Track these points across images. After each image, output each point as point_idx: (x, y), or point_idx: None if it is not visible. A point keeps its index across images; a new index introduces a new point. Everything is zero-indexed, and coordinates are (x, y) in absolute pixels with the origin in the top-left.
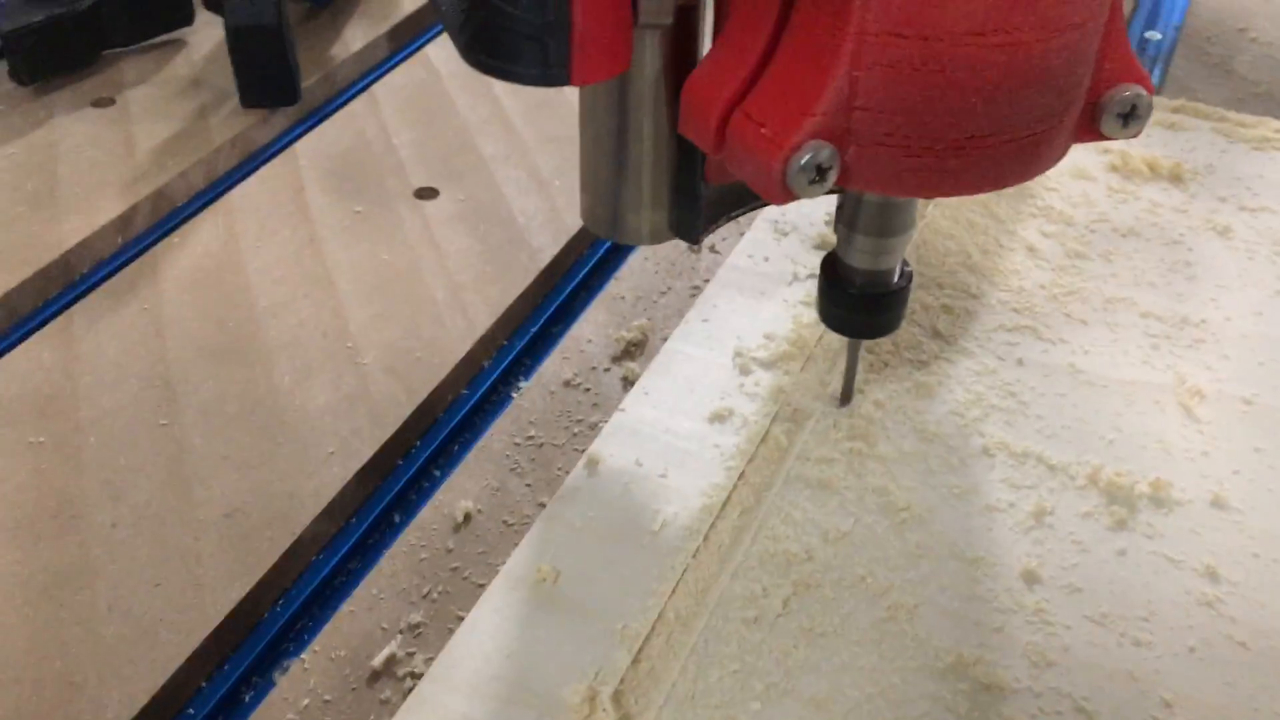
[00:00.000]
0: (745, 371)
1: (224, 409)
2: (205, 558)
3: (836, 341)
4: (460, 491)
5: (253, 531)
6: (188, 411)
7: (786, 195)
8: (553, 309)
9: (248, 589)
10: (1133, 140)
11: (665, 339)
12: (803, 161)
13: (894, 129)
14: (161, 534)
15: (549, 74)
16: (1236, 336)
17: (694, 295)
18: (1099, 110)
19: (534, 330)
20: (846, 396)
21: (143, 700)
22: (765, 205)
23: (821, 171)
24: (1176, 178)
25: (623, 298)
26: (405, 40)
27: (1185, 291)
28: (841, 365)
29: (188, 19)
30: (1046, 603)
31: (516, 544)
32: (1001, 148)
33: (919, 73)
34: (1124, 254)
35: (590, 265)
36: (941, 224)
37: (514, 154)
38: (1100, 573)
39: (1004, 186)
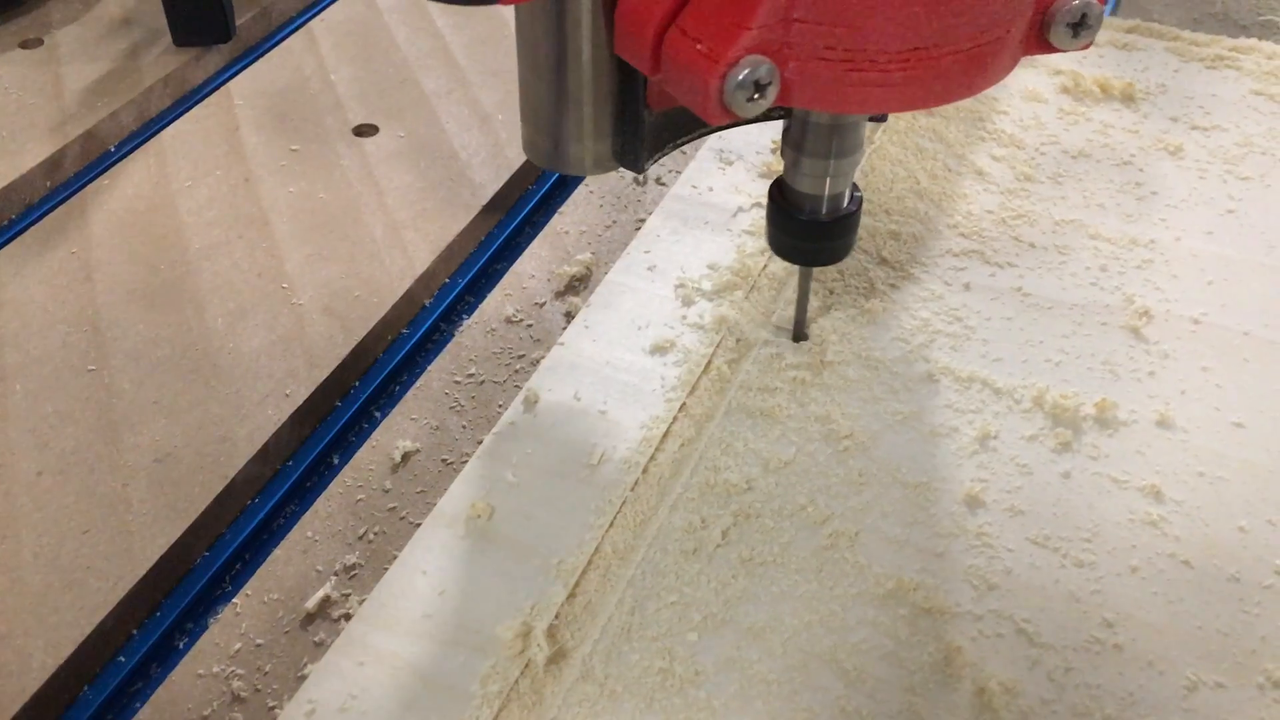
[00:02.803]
0: (688, 302)
1: (155, 353)
2: (135, 504)
3: (782, 270)
4: (399, 431)
5: (184, 477)
6: (117, 356)
7: (725, 114)
8: (495, 246)
9: (178, 534)
10: (1085, 61)
11: (610, 270)
12: (740, 78)
13: (834, 41)
14: (89, 481)
15: None
16: (1186, 256)
17: (639, 228)
18: (1048, 20)
19: (476, 268)
20: (799, 329)
21: (69, 649)
22: (712, 131)
23: (760, 88)
24: (1129, 98)
25: (567, 232)
26: None
27: (1135, 212)
28: (787, 294)
29: None
30: (989, 526)
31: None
32: (947, 60)
33: None
34: (1074, 176)
35: (534, 201)
36: (890, 150)
37: (456, 89)
38: (1044, 495)
39: (951, 100)
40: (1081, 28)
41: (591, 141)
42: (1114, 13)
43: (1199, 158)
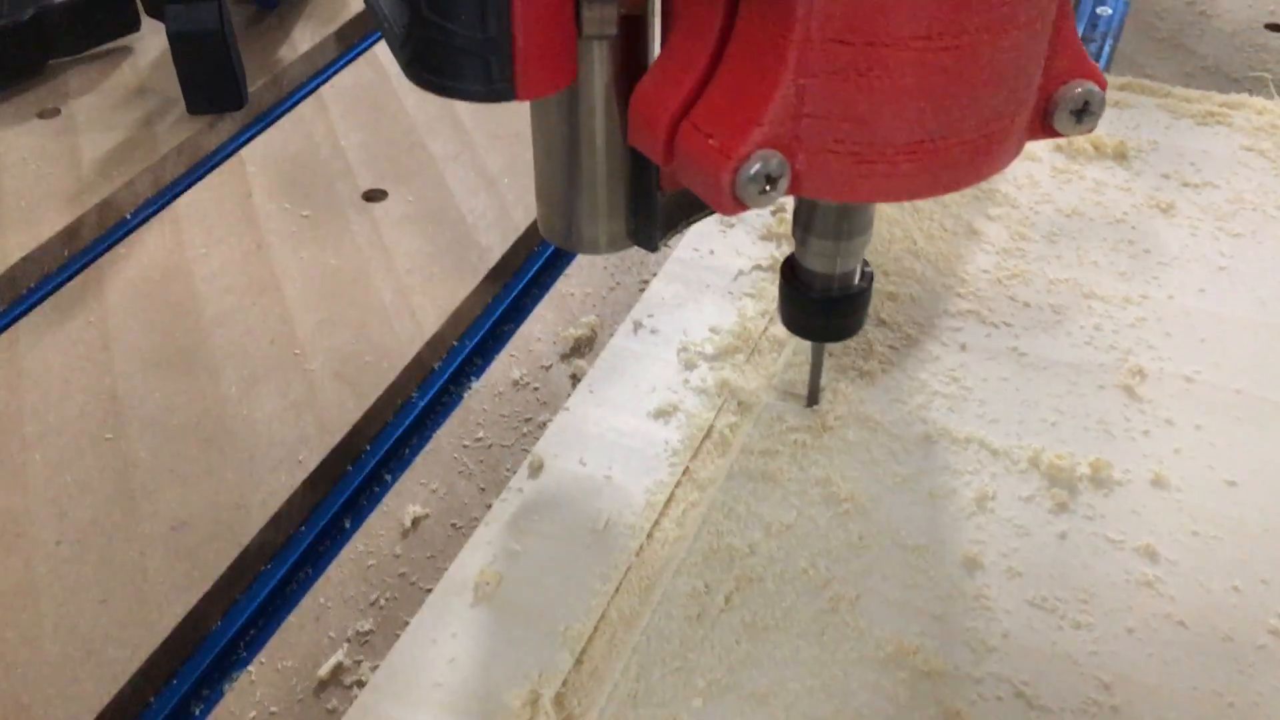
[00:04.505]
0: (690, 366)
1: (170, 421)
2: (151, 572)
3: (782, 333)
4: (409, 496)
5: (199, 544)
6: (134, 425)
7: (737, 206)
8: (502, 309)
9: (194, 602)
10: None
11: (614, 333)
12: (752, 172)
13: (843, 135)
14: (108, 550)
15: (493, 90)
16: (1179, 314)
17: (643, 290)
18: (1052, 107)
19: (483, 330)
20: (813, 397)
21: (88, 718)
22: None
23: (772, 181)
24: (1121, 156)
25: (572, 294)
26: (353, 41)
27: (1128, 270)
28: (788, 356)
29: (133, 25)
30: (987, 588)
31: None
32: (953, 150)
33: (865, 79)
34: (1068, 235)
35: (540, 264)
36: (887, 210)
37: (463, 152)
38: (1041, 556)
39: (958, 189)
40: (1084, 114)
41: (606, 222)
42: (1106, 70)
43: (1191, 215)
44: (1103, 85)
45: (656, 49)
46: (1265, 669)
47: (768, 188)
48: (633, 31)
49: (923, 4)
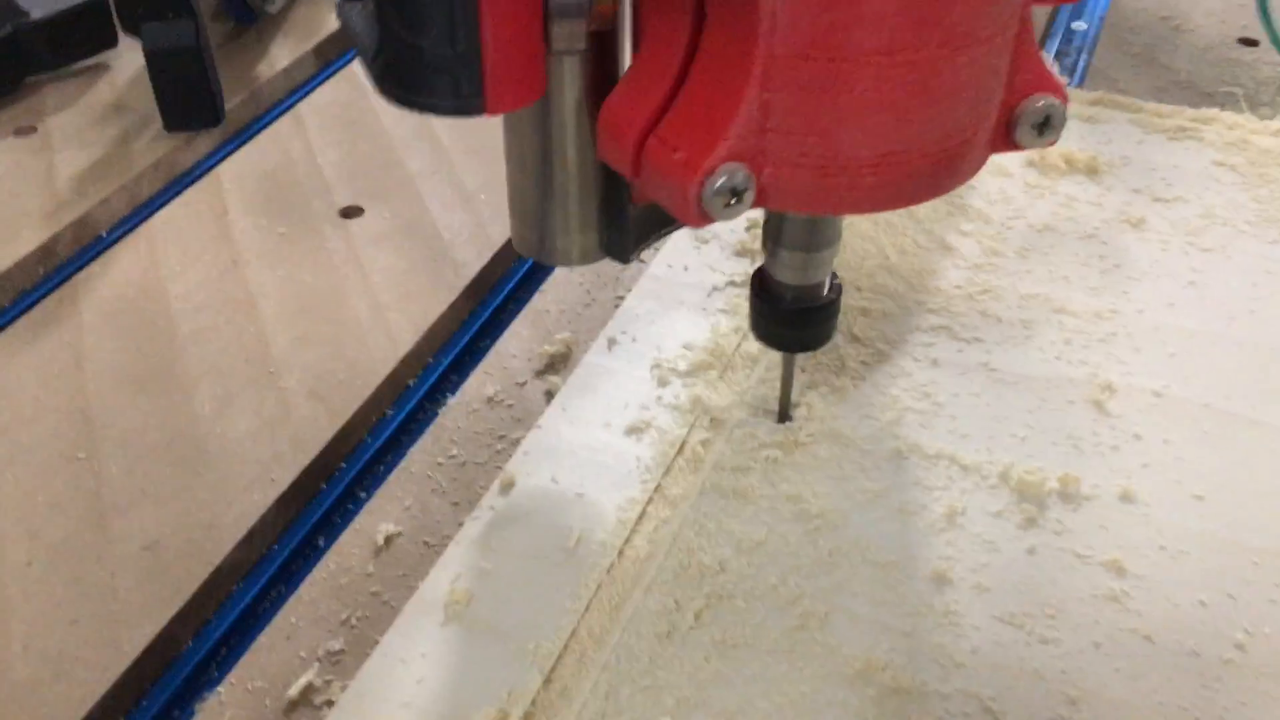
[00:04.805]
0: (663, 383)
1: (143, 440)
2: (122, 592)
3: (755, 348)
4: (382, 514)
5: (171, 564)
6: (106, 444)
7: (703, 219)
8: (478, 325)
9: (164, 623)
10: None
11: (589, 349)
12: (717, 185)
13: (807, 149)
14: (78, 571)
15: (463, 105)
16: (1148, 329)
17: (618, 305)
18: (1014, 121)
19: (459, 347)
20: (783, 412)
21: None
22: None
23: (737, 194)
24: (1093, 171)
25: (547, 311)
26: (331, 57)
27: (1099, 285)
28: (760, 372)
29: (110, 41)
30: (956, 604)
31: None
32: (917, 163)
33: (828, 93)
34: (1039, 250)
35: (516, 280)
36: (860, 225)
37: (440, 168)
38: (1009, 571)
39: (922, 200)
40: (1046, 128)
41: (578, 235)
42: (1081, 84)
43: (1161, 230)
44: (1064, 99)
45: (627, 63)
46: (1231, 683)
47: (733, 201)
48: (602, 46)
49: (884, 19)
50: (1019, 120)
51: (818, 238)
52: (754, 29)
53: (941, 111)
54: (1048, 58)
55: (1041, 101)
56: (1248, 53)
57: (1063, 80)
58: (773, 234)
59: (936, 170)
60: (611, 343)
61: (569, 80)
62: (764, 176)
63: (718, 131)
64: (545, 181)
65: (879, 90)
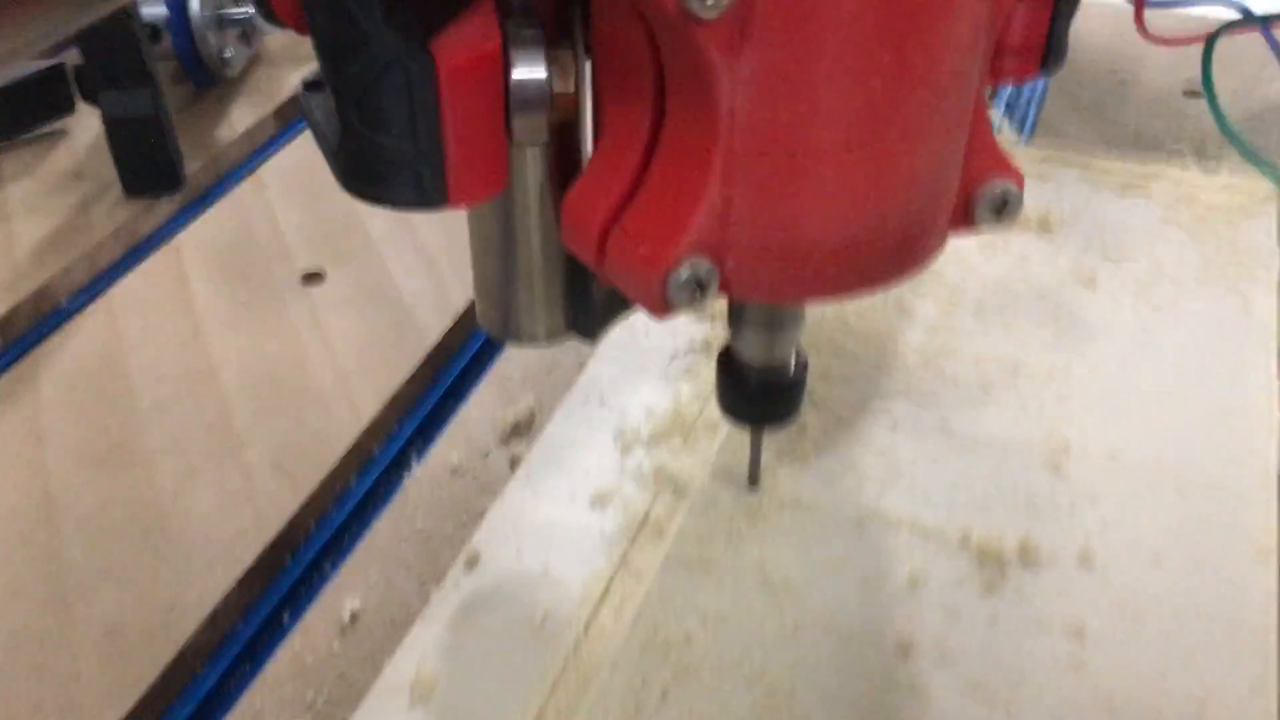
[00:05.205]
0: (627, 450)
1: (104, 518)
2: (85, 678)
3: (717, 415)
4: (347, 590)
5: (133, 648)
6: (67, 524)
7: (668, 310)
8: (441, 391)
9: (128, 708)
10: None
11: (552, 416)
12: (682, 279)
13: (770, 241)
14: (39, 657)
15: (425, 199)
16: (1102, 389)
17: (581, 370)
18: (972, 203)
19: (423, 415)
20: (754, 479)
21: None
22: None
23: (701, 285)
24: (1045, 228)
25: (510, 377)
26: (292, 118)
27: (1053, 344)
28: (722, 439)
29: (68, 107)
30: (920, 675)
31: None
32: (878, 250)
33: (789, 186)
34: (994, 309)
35: (479, 344)
36: None
37: (401, 231)
38: (972, 640)
39: (886, 285)
40: (1004, 210)
41: (544, 315)
42: (1030, 137)
43: (1112, 288)
44: (1020, 184)
45: (589, 151)
46: None
47: (697, 292)
48: (564, 135)
49: (841, 116)
50: (977, 203)
51: (782, 318)
52: (714, 125)
53: (902, 200)
54: (997, 113)
55: (1000, 186)
56: (1193, 104)
57: (1014, 138)
58: (737, 314)
59: (899, 256)
60: (574, 411)
61: (531, 170)
62: (727, 268)
63: (680, 224)
64: (510, 264)
65: (839, 182)
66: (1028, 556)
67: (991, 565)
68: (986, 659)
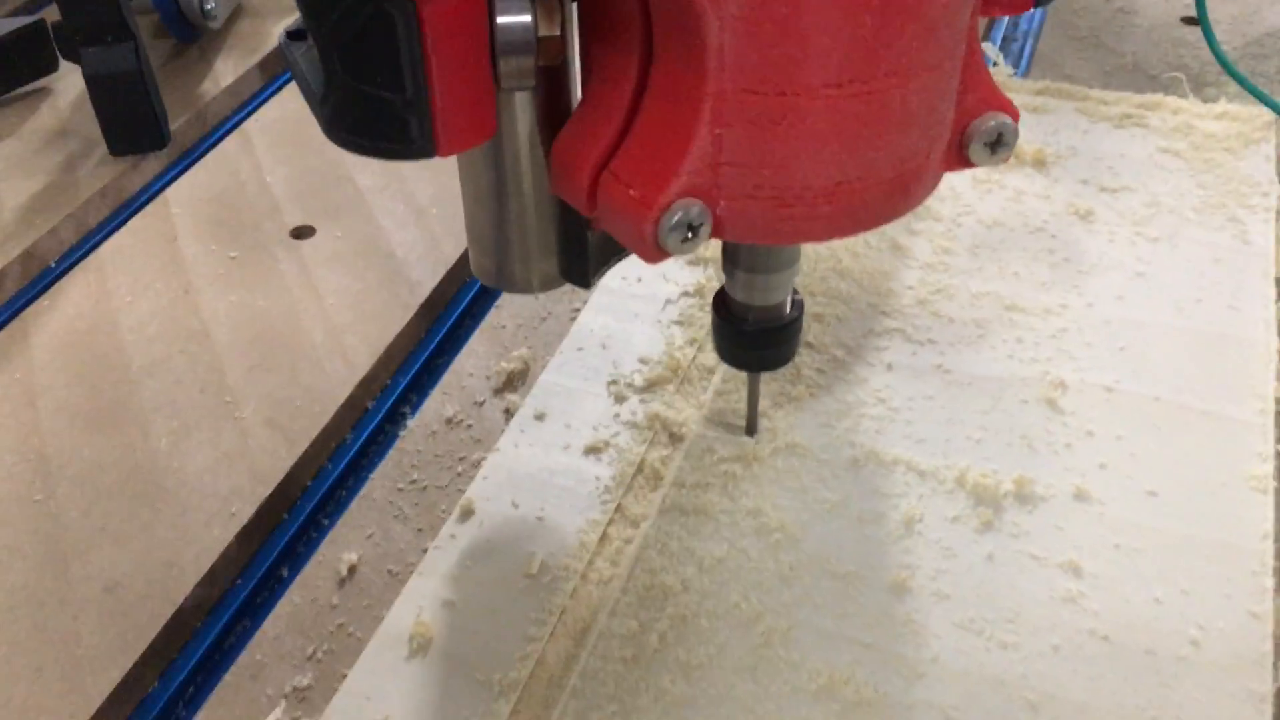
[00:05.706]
0: (621, 399)
1: (100, 479)
2: (85, 637)
3: (711, 360)
4: (344, 544)
5: (133, 606)
6: (63, 484)
7: (660, 254)
8: (435, 343)
9: (129, 666)
10: None
11: (546, 366)
12: (673, 221)
13: (762, 181)
14: (40, 617)
15: (414, 148)
16: (1098, 323)
17: (574, 319)
18: (966, 140)
19: (416, 367)
20: (751, 426)
21: None
22: None
23: (693, 229)
24: (1040, 163)
25: (504, 327)
26: (277, 71)
27: (1049, 280)
28: (717, 384)
29: (51, 66)
30: (916, 613)
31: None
32: (871, 190)
33: (779, 127)
34: (989, 246)
35: (471, 296)
36: None
37: (391, 184)
38: (968, 577)
39: (878, 225)
40: (999, 145)
41: (537, 263)
42: (1027, 71)
43: (1109, 220)
44: (1015, 117)
45: (578, 95)
46: (1186, 680)
47: (689, 235)
48: (553, 80)
49: (831, 53)
50: (971, 139)
51: (776, 260)
52: (702, 65)
53: (894, 139)
54: (993, 47)
55: (993, 121)
56: (1191, 32)
57: (1010, 71)
58: (731, 257)
59: (892, 195)
60: (568, 360)
61: (521, 116)
62: (719, 210)
63: (671, 168)
64: (502, 213)
65: (830, 122)
66: (1024, 494)
67: (987, 503)
68: (982, 595)
